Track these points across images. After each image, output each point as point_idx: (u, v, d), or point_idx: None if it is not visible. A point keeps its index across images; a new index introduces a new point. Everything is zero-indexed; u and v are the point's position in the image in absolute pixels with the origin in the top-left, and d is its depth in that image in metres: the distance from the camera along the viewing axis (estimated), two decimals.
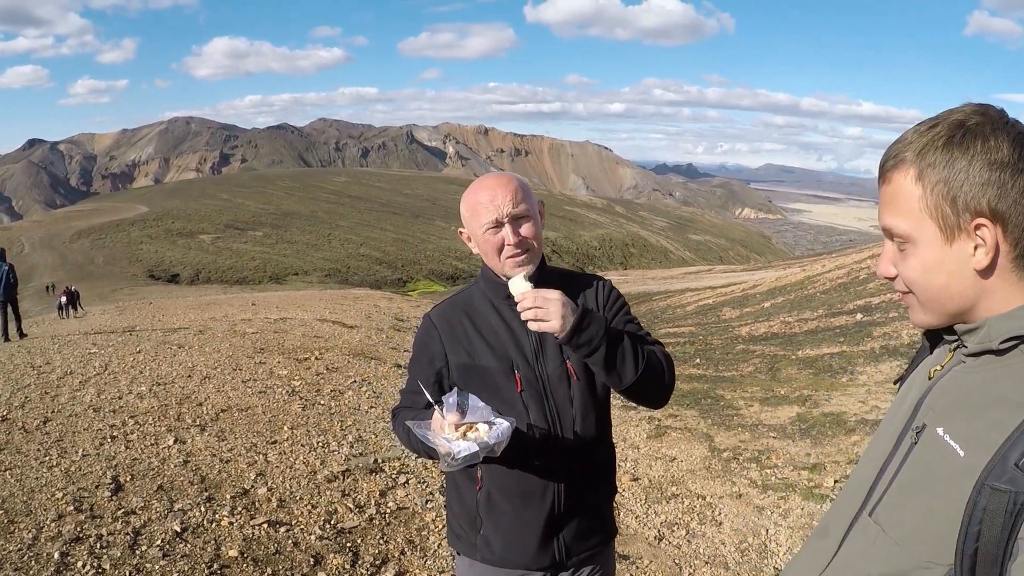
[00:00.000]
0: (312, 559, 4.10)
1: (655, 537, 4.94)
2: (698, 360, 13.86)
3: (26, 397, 7.18)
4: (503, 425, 1.73)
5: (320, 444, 6.30)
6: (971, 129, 1.02)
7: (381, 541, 4.47)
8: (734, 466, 6.44)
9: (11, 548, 3.87)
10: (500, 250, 1.96)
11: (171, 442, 5.90)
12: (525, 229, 1.96)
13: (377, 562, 4.19)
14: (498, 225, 1.94)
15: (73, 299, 27.94)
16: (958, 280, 1.06)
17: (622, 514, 5.36)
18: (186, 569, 3.78)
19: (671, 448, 7.16)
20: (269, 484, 5.18)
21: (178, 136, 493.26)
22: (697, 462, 6.67)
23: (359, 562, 4.16)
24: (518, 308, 1.80)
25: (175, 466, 5.34)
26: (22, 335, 14.72)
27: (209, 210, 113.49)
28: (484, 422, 1.74)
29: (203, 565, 3.84)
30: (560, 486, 2.00)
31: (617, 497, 5.58)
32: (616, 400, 7.72)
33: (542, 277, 2.01)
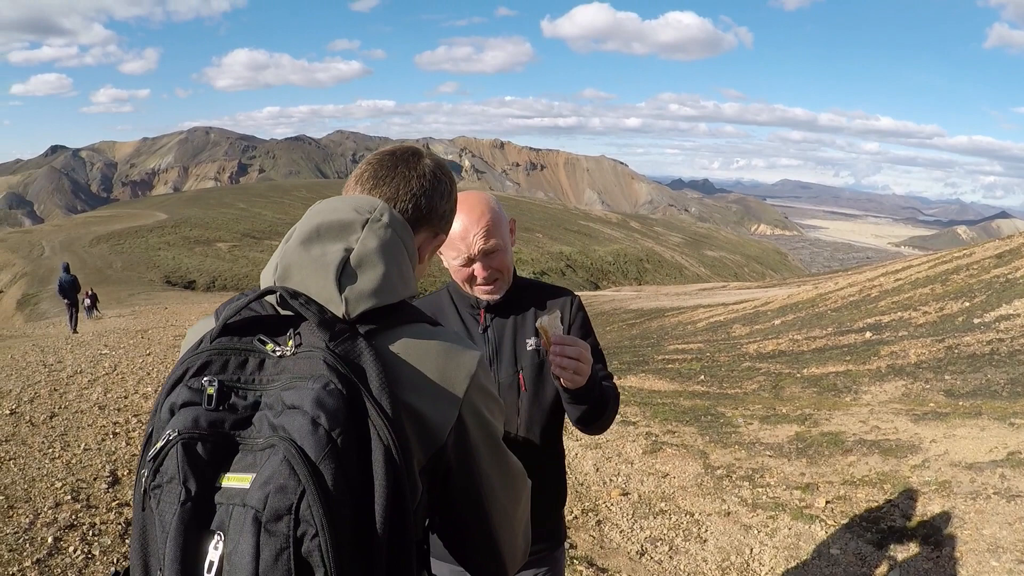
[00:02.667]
0: None
1: (637, 552, 4.96)
2: (702, 377, 13.83)
3: (35, 393, 7.34)
4: None
5: None
6: None
7: None
8: (726, 484, 6.45)
9: (8, 531, 4.07)
10: (470, 280, 2.04)
11: None
12: (495, 262, 2.03)
13: None
14: (469, 262, 2.00)
15: (94, 301, 28.39)
16: None
17: (606, 528, 5.38)
18: None
19: (665, 464, 7.17)
20: None
21: (197, 145, 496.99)
22: (690, 479, 6.68)
23: None
24: (552, 351, 1.84)
25: None
26: (75, 330, 18.55)
27: (227, 218, 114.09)
28: None
29: None
30: None
31: (603, 511, 5.65)
32: (616, 416, 7.70)
33: (515, 288, 2.11)
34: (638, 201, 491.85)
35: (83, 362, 9.54)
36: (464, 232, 1.97)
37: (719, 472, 6.84)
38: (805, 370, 12.53)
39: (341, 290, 1.16)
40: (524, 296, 2.14)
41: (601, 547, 5.01)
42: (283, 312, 1.16)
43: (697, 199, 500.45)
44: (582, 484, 6.45)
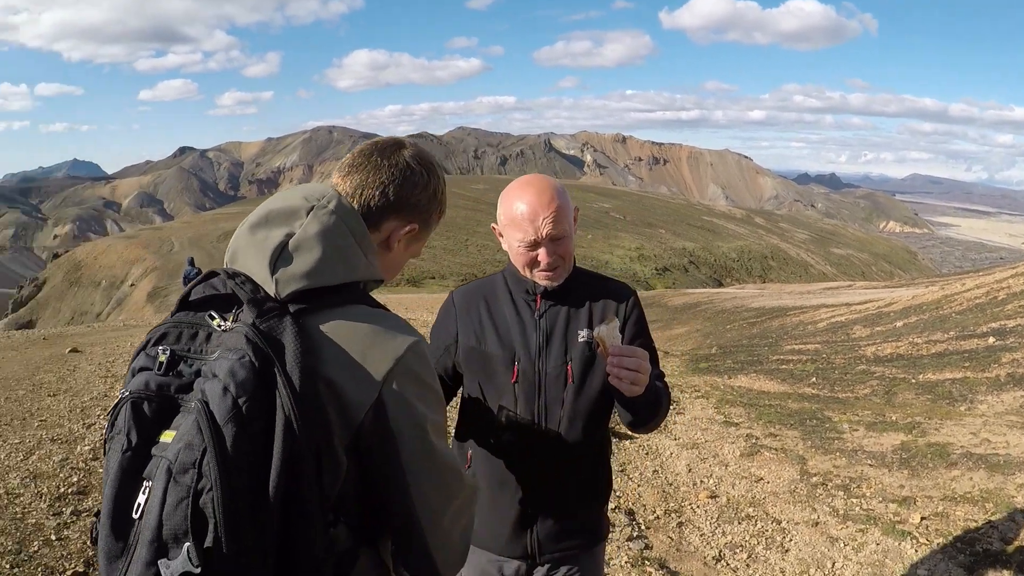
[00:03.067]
0: None
1: (714, 557, 4.92)
2: (814, 379, 13.40)
3: None
4: None
5: None
6: None
7: None
8: (820, 492, 6.28)
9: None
10: (531, 264, 2.06)
11: None
12: (560, 248, 2.04)
13: None
14: (534, 245, 2.01)
15: None
16: None
17: (686, 530, 5.37)
18: None
19: (761, 468, 7.05)
20: None
21: (321, 144, 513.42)
22: (783, 485, 6.54)
23: None
24: (609, 361, 1.87)
25: None
26: None
27: None
28: None
29: None
30: (535, 480, 2.08)
31: (687, 513, 5.63)
32: (719, 416, 7.58)
33: (573, 277, 2.13)
34: (763, 196, 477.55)
35: None
36: (532, 215, 1.97)
37: (815, 479, 6.68)
38: (921, 375, 11.98)
39: (274, 271, 1.27)
40: (581, 286, 2.14)
41: (678, 550, 5.00)
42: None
43: (823, 194, 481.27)
44: (671, 484, 6.43)
